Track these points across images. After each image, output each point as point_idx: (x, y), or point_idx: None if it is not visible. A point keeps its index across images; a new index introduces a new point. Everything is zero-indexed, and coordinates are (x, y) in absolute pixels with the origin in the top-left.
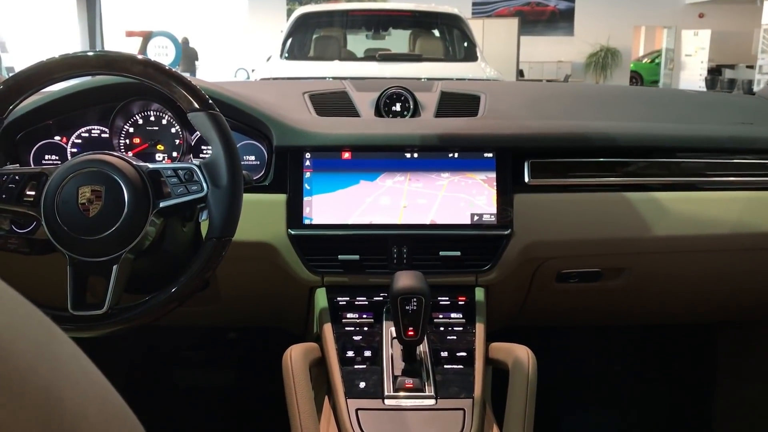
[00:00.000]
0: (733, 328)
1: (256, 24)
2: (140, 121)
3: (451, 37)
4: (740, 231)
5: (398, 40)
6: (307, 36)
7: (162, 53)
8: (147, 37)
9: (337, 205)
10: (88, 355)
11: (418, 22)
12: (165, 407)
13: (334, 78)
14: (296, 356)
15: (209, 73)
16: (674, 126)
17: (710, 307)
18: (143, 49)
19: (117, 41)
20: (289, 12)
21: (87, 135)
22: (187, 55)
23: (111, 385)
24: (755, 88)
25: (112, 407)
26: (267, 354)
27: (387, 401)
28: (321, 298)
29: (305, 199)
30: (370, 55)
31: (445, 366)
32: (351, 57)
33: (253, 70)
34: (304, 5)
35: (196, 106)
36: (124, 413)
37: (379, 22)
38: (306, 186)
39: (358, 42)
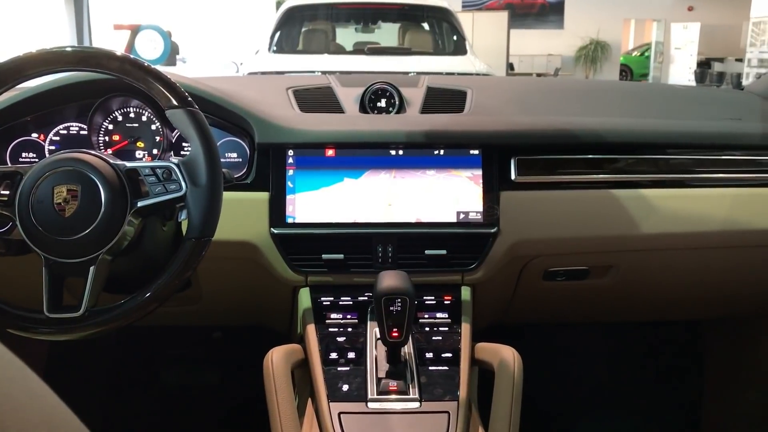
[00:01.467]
0: (721, 325)
1: (245, 17)
2: (120, 118)
3: (440, 30)
4: (728, 228)
5: (388, 33)
6: (296, 29)
7: (150, 47)
8: (135, 30)
9: (321, 203)
10: (68, 356)
11: (407, 15)
12: (150, 406)
13: (322, 72)
14: (277, 359)
15: (199, 67)
16: (662, 122)
17: (698, 304)
18: (131, 43)
19: (105, 35)
20: (278, 5)
21: (65, 132)
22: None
23: (65, 407)
24: (744, 82)
25: (62, 431)
26: (253, 353)
27: (370, 404)
28: (304, 298)
29: (288, 197)
30: (359, 49)
31: (430, 367)
32: (339, 50)
33: (241, 64)
34: None
35: (174, 103)
36: None
37: (368, 15)
38: (289, 184)
39: (347, 35)
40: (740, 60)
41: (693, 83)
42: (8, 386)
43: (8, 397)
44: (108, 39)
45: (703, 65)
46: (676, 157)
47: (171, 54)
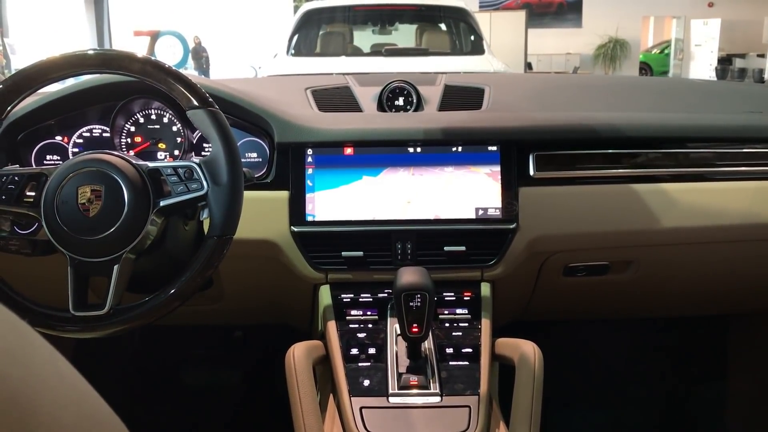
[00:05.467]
0: (743, 320)
1: (262, 21)
2: (141, 120)
3: (457, 30)
4: (750, 221)
5: (405, 34)
6: (313, 32)
7: (170, 53)
8: (154, 36)
9: (340, 201)
10: (92, 355)
11: (424, 16)
12: (172, 406)
13: (338, 74)
14: (299, 355)
15: (217, 71)
16: (682, 116)
17: (720, 299)
18: (151, 49)
19: (125, 41)
20: (296, 8)
21: (88, 134)
22: (199, 55)
23: (93, 390)
24: (766, 77)
25: (90, 412)
26: (273, 352)
27: (392, 399)
28: (325, 295)
29: (308, 195)
30: (377, 51)
31: (451, 363)
32: (357, 52)
33: (259, 68)
34: (310, 1)
35: (195, 103)
36: (105, 418)
37: (384, 17)
38: (308, 182)
39: (364, 38)
40: (762, 56)
41: (713, 79)
42: (40, 368)
43: (42, 378)
44: (128, 45)
45: (724, 61)
46: (696, 151)
47: (200, 60)
